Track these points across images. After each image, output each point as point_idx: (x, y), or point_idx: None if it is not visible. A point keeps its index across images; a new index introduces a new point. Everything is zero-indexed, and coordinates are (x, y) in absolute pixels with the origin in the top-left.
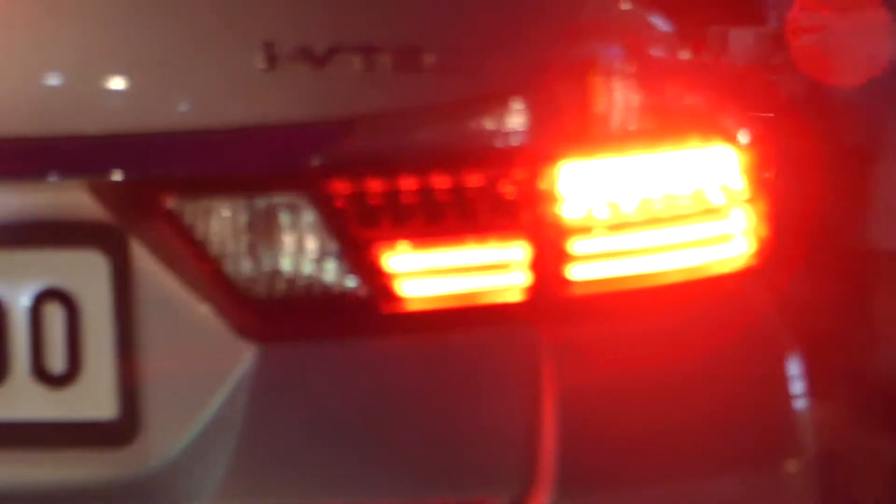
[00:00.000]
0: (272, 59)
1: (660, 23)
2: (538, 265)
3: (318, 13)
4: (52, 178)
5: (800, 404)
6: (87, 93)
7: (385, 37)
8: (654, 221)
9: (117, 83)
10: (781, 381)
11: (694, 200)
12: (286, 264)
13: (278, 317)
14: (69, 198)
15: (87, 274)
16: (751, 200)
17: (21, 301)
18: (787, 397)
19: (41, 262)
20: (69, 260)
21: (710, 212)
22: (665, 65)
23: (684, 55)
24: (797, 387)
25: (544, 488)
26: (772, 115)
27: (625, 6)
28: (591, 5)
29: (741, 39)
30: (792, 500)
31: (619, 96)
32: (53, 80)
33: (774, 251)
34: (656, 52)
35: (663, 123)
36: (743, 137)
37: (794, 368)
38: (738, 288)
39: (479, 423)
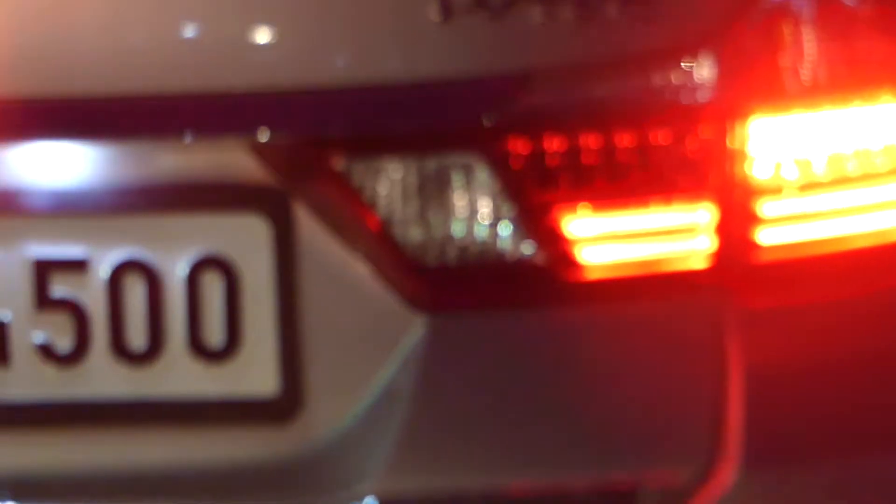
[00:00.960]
0: (447, 10)
1: None
2: (726, 229)
3: None
4: (212, 138)
5: None
6: (249, 46)
7: None
8: (847, 181)
9: (282, 36)
10: None
11: (884, 158)
12: (459, 229)
13: (450, 286)
14: (229, 158)
15: (248, 240)
16: None
17: (177, 269)
18: None
19: (198, 227)
20: (228, 225)
21: None
22: (857, 13)
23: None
24: None
25: (730, 462)
26: None
27: None
28: None
29: None
30: None
31: (809, 47)
32: (213, 31)
33: None
34: None
35: (854, 76)
36: None
37: None
38: None
39: (663, 396)
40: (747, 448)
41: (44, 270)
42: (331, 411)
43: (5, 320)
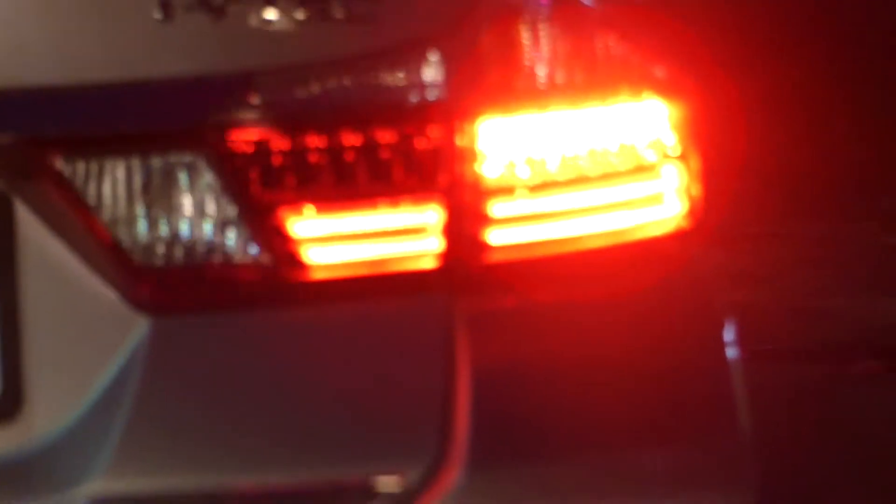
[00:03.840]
0: (168, 9)
1: None
2: (454, 229)
3: None
4: None
5: (732, 373)
6: None
7: None
8: (581, 181)
9: (4, 35)
10: (714, 352)
11: (622, 158)
12: (183, 230)
13: (174, 287)
14: None
15: None
16: (683, 157)
17: None
18: (719, 368)
19: None
20: None
21: (639, 170)
22: (590, 13)
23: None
24: (730, 357)
25: (455, 463)
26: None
27: None
28: None
29: None
30: (724, 473)
31: (543, 46)
32: None
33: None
34: None
35: (590, 76)
36: (677, 89)
37: (727, 337)
38: (669, 252)
39: (389, 397)
40: (473, 450)
41: None
42: (52, 411)
43: None
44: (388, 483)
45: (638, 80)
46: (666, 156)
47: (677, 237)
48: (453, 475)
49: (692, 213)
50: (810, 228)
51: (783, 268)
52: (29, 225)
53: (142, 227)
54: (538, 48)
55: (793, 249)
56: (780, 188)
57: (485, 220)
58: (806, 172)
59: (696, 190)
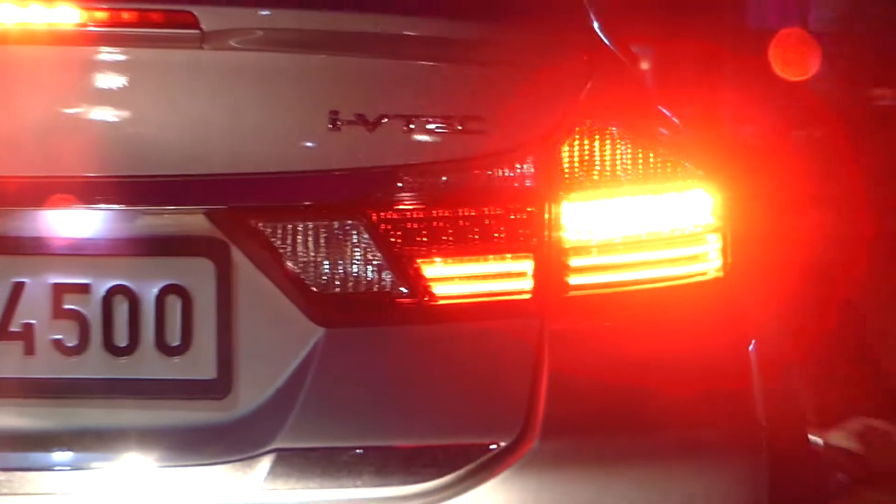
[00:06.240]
0: (336, 122)
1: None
2: (542, 274)
3: (372, 88)
4: (179, 206)
5: (754, 377)
6: (208, 146)
7: (422, 107)
8: (631, 245)
9: (229, 140)
10: (741, 362)
11: (672, 227)
12: (349, 270)
13: (342, 308)
14: (190, 220)
15: (200, 274)
16: (718, 229)
17: (150, 293)
18: (744, 373)
19: (166, 266)
20: (187, 264)
21: (686, 237)
22: (651, 121)
23: (670, 115)
24: (752, 369)
25: (534, 435)
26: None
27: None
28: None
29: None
30: (741, 446)
31: (606, 150)
32: (184, 136)
33: (737, 264)
34: (646, 114)
35: (649, 171)
36: (715, 180)
37: (750, 355)
38: (705, 293)
39: (491, 388)
40: (547, 425)
41: (60, 291)
42: (251, 392)
43: (33, 323)
44: (488, 446)
45: (684, 173)
46: (704, 227)
47: (714, 282)
48: (531, 443)
49: (725, 266)
50: None
51: None
52: (242, 263)
53: (320, 268)
54: (601, 151)
55: None
56: None
57: (563, 268)
58: None
59: (727, 250)
